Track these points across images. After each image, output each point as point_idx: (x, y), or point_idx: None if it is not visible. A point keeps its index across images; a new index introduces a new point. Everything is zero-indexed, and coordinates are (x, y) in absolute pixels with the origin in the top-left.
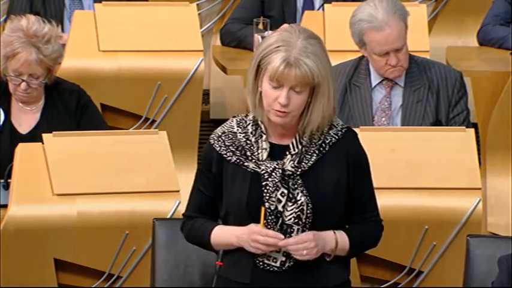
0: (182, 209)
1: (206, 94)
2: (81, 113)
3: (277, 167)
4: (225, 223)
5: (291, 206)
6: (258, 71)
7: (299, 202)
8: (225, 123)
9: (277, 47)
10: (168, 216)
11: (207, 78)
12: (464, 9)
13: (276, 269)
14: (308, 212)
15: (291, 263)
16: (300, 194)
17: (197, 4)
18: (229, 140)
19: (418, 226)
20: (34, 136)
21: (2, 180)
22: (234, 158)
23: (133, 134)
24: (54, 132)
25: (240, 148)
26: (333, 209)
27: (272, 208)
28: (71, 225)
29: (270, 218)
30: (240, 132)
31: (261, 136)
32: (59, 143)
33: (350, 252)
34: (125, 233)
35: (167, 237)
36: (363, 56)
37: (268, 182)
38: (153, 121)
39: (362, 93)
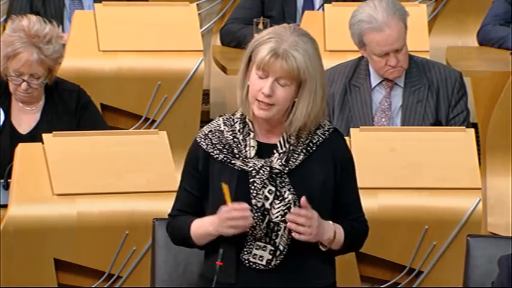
0: None
1: (206, 94)
2: (81, 113)
3: (265, 164)
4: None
5: (278, 203)
6: (248, 65)
7: (286, 200)
8: (211, 122)
9: (269, 38)
10: None
11: (207, 78)
12: (464, 9)
13: (262, 267)
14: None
15: (277, 262)
16: (288, 192)
17: (197, 4)
18: (216, 138)
19: (418, 226)
20: (34, 136)
21: (2, 180)
22: (221, 156)
23: (133, 134)
24: (54, 132)
25: (227, 146)
26: (320, 207)
27: (259, 205)
28: (71, 225)
29: (256, 215)
30: (227, 131)
31: (249, 134)
32: (59, 143)
33: (342, 247)
34: (125, 233)
35: (167, 237)
36: (362, 57)
37: (255, 179)
38: (153, 121)
39: (362, 93)
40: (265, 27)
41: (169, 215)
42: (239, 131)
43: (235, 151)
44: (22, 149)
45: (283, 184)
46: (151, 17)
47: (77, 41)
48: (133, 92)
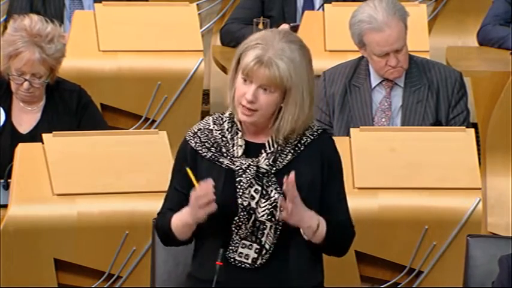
0: None
1: (206, 94)
2: (82, 113)
3: (251, 164)
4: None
5: (264, 202)
6: (237, 67)
7: (272, 199)
8: (201, 121)
9: (256, 44)
10: None
11: (207, 78)
12: (464, 9)
13: (247, 266)
14: (281, 209)
15: (263, 261)
16: (274, 191)
17: (197, 4)
18: (205, 136)
19: (418, 226)
20: (34, 136)
21: (2, 180)
22: (209, 154)
23: (133, 134)
24: (54, 132)
25: (215, 145)
26: (306, 206)
27: (245, 204)
28: (71, 225)
29: (242, 214)
30: (216, 130)
31: (237, 133)
32: (59, 143)
33: (324, 243)
34: (125, 233)
35: None
36: (362, 57)
37: (242, 178)
38: (153, 121)
39: (362, 93)
40: (265, 27)
41: (158, 214)
42: (227, 130)
43: (223, 150)
44: (22, 149)
45: (269, 183)
46: (151, 17)
47: (77, 41)
48: (133, 92)
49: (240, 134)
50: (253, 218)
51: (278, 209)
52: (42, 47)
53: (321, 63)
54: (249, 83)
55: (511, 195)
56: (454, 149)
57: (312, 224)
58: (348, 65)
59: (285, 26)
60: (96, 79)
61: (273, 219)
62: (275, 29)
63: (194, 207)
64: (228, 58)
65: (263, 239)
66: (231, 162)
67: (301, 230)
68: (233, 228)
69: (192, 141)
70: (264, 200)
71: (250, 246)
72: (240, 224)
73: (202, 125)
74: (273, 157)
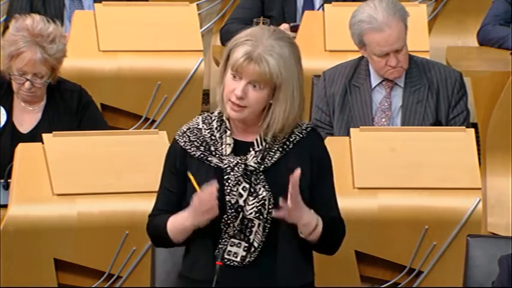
0: None
1: (206, 94)
2: (82, 113)
3: (240, 162)
4: None
5: (252, 200)
6: (226, 63)
7: (260, 196)
8: (190, 121)
9: (246, 40)
10: None
11: (207, 78)
12: (464, 9)
13: (236, 264)
14: (270, 207)
15: (252, 258)
16: (262, 189)
17: (197, 4)
18: (193, 135)
19: (418, 226)
20: (35, 136)
21: (2, 180)
22: (198, 153)
23: (133, 134)
24: (54, 132)
25: (204, 143)
26: None
27: (233, 202)
28: (71, 225)
29: (230, 211)
30: (205, 129)
31: (225, 132)
32: (59, 143)
33: (319, 241)
34: (125, 233)
35: None
36: (362, 57)
37: (230, 176)
38: (153, 121)
39: (362, 93)
40: None
41: (149, 216)
42: (216, 128)
43: (212, 148)
44: (22, 149)
45: (258, 181)
46: (151, 17)
47: (77, 41)
48: (133, 92)
49: (228, 132)
50: (241, 215)
51: (266, 207)
52: (44, 47)
53: (321, 63)
54: (239, 79)
55: (511, 195)
56: (454, 149)
57: (311, 222)
58: (348, 65)
59: (285, 26)
60: (96, 79)
61: (261, 217)
62: (264, 25)
63: (197, 212)
64: None
65: (251, 237)
66: (219, 160)
67: (298, 229)
68: (222, 227)
69: (181, 141)
70: (252, 198)
71: (238, 244)
72: (229, 222)
73: (191, 124)
74: (261, 155)
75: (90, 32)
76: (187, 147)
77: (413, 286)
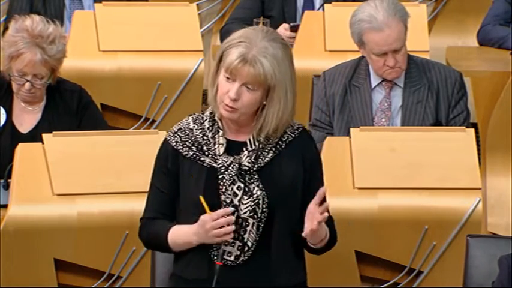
0: None
1: (206, 94)
2: (82, 113)
3: (234, 161)
4: (180, 219)
5: (247, 199)
6: (219, 64)
7: (255, 196)
8: (181, 121)
9: (239, 42)
10: None
11: (207, 78)
12: (464, 9)
13: (230, 263)
14: (264, 206)
15: (246, 258)
16: (256, 188)
17: (197, 4)
18: (185, 135)
19: (418, 226)
20: (35, 136)
21: (2, 180)
22: (190, 153)
23: (133, 134)
24: (54, 132)
25: (196, 143)
26: (289, 203)
27: (228, 201)
28: (71, 225)
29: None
30: (196, 129)
31: (218, 132)
32: (59, 143)
33: (323, 247)
34: (125, 233)
35: None
36: (362, 57)
37: (224, 176)
38: (153, 121)
39: (362, 94)
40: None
41: (141, 218)
42: (208, 128)
43: (205, 148)
44: (22, 149)
45: (252, 180)
46: (151, 17)
47: (77, 41)
48: (133, 92)
49: (221, 132)
50: (235, 215)
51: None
52: (44, 48)
53: (321, 63)
54: (232, 81)
55: (511, 195)
56: (454, 149)
57: (325, 234)
58: (348, 65)
59: (285, 26)
60: (96, 79)
61: (255, 216)
62: (256, 26)
63: (208, 233)
64: None
65: (245, 236)
66: (212, 160)
67: (308, 239)
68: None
69: (173, 141)
70: (246, 197)
71: (232, 244)
72: None
73: (182, 124)
74: (254, 155)
75: (90, 32)
76: (179, 148)
77: (413, 286)
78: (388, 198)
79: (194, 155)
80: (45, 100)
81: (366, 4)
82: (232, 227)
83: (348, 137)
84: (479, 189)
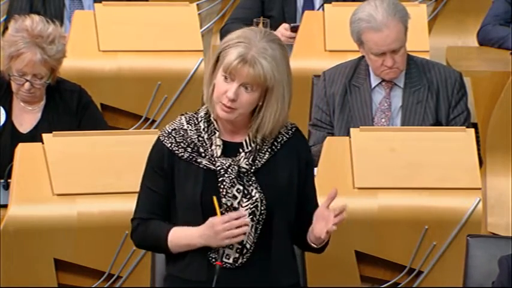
0: None
1: None
2: (82, 113)
3: (232, 163)
4: (176, 220)
5: (246, 202)
6: (216, 64)
7: (254, 198)
8: (173, 121)
9: (238, 42)
10: None
11: None
12: (464, 9)
13: (229, 265)
14: (262, 208)
15: (244, 260)
16: (255, 191)
17: (197, 4)
18: (180, 136)
19: (418, 226)
20: (35, 136)
21: (2, 180)
22: (186, 155)
23: (133, 134)
24: (54, 132)
25: (192, 145)
26: (286, 204)
27: (228, 204)
28: (71, 225)
29: (225, 213)
30: (190, 129)
31: (214, 133)
32: (59, 143)
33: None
34: (125, 233)
35: None
36: (362, 57)
37: (224, 178)
38: (153, 121)
39: (362, 94)
40: (265, 27)
41: (133, 219)
42: (204, 129)
43: (201, 150)
44: (22, 149)
45: (250, 182)
46: (151, 17)
47: (77, 41)
48: (133, 92)
49: (217, 133)
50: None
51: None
52: (44, 48)
53: (321, 63)
54: (230, 81)
55: (511, 195)
56: (454, 149)
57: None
58: (348, 65)
59: (285, 26)
60: (96, 79)
61: (254, 218)
62: (254, 27)
63: (218, 235)
64: None
65: (244, 238)
66: (209, 162)
67: (309, 240)
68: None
69: (167, 142)
70: (245, 200)
71: (231, 246)
72: None
73: (175, 125)
74: (252, 156)
75: (90, 32)
76: (174, 149)
77: (413, 286)
78: (388, 198)
79: (190, 157)
80: (45, 100)
81: (367, 3)
82: (248, 228)
83: (348, 137)
84: (479, 189)
